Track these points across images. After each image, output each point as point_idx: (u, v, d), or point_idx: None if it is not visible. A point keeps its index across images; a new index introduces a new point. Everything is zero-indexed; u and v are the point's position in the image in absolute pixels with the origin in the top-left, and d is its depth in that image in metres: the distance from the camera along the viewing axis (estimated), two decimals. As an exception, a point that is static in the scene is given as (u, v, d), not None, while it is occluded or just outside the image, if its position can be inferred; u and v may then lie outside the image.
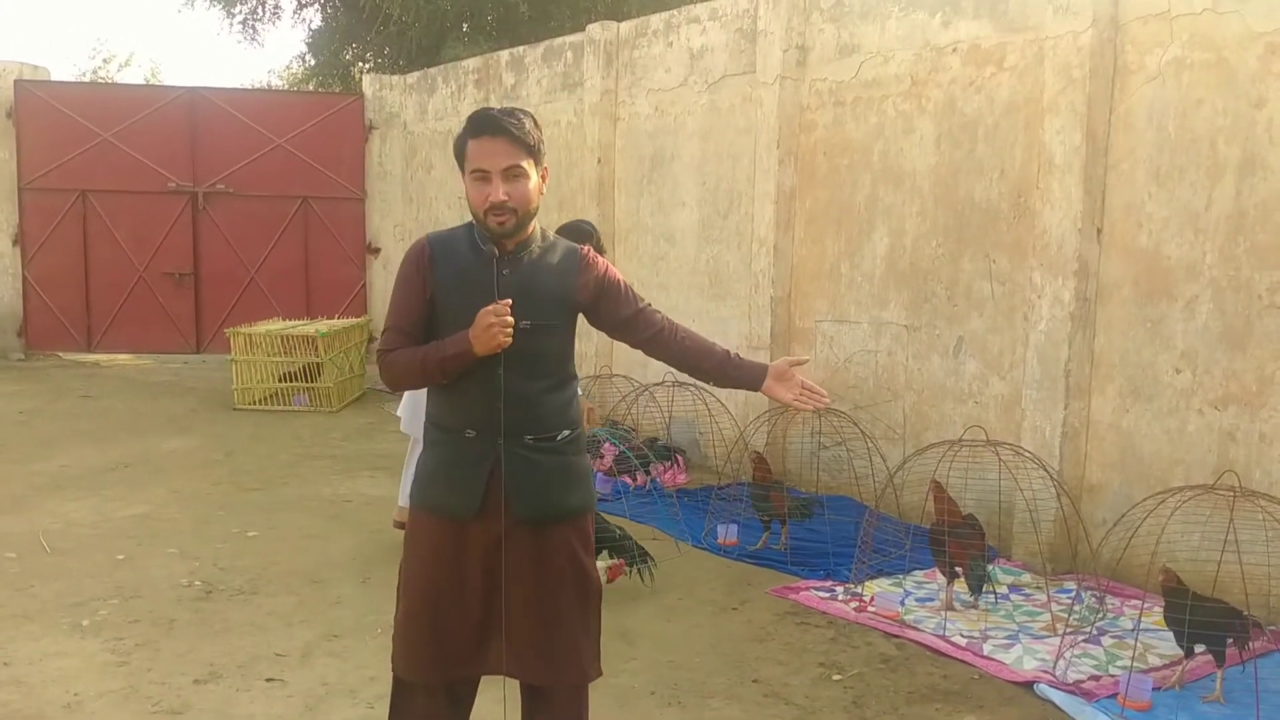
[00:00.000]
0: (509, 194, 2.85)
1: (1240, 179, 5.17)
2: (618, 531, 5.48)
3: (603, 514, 5.60)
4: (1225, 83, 5.22)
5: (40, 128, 13.14)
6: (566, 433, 3.02)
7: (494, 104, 11.13)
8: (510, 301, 2.80)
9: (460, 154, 2.94)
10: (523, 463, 2.93)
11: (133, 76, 31.14)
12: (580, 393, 3.18)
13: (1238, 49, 5.16)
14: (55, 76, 14.47)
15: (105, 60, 31.70)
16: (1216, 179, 5.26)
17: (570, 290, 2.99)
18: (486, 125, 2.87)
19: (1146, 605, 4.69)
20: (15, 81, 13.13)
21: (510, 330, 2.78)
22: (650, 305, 3.13)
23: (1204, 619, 4.19)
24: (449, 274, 2.96)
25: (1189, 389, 5.39)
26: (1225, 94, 5.22)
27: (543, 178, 2.98)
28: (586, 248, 3.09)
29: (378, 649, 4.58)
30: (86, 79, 27.82)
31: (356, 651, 4.60)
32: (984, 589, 5.24)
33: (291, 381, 10.96)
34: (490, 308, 2.78)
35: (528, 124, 2.89)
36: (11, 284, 13.34)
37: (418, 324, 2.98)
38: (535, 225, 3.00)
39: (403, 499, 6.40)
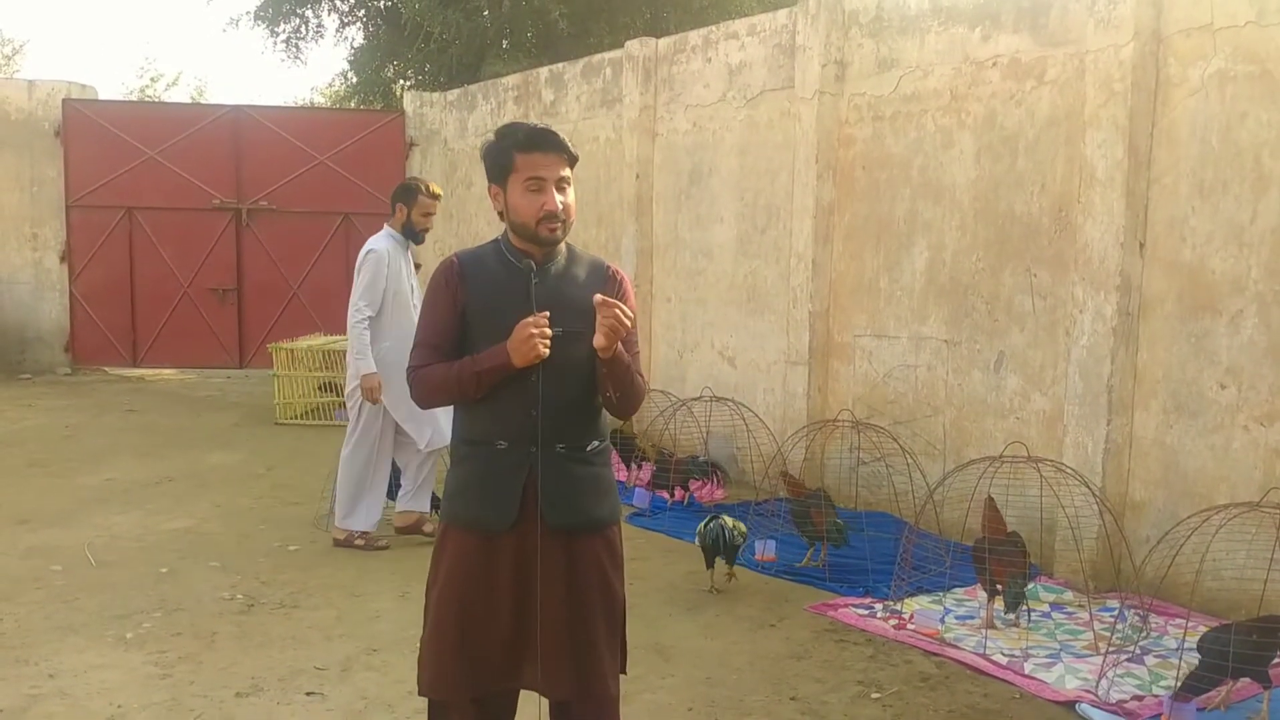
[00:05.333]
0: (564, 203, 2.94)
1: (1286, 192, 5.10)
2: None
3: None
4: (1269, 95, 5.16)
5: (87, 146, 13.34)
6: (596, 443, 3.06)
7: (534, 121, 11.19)
8: (548, 313, 2.84)
9: (504, 164, 2.96)
10: (556, 472, 2.95)
11: (180, 95, 31.58)
12: None
13: (1282, 61, 5.11)
14: (104, 95, 14.71)
15: (153, 79, 32.16)
16: (1261, 192, 5.20)
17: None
18: (543, 141, 2.94)
19: (1191, 624, 4.62)
20: (64, 100, 13.34)
21: (549, 340, 2.82)
22: (635, 356, 3.06)
23: (1241, 650, 4.10)
24: (481, 289, 2.99)
25: (1234, 405, 5.32)
26: (1270, 107, 5.16)
27: None
28: (614, 266, 3.15)
29: (416, 663, 4.60)
30: (135, 98, 28.23)
31: (395, 666, 4.62)
32: (1020, 607, 5.19)
33: (333, 396, 11.05)
34: (529, 319, 2.82)
35: (569, 142, 2.99)
36: (58, 300, 13.53)
37: (450, 340, 3.01)
38: None
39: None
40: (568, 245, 3.09)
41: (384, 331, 6.21)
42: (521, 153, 2.93)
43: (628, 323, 2.82)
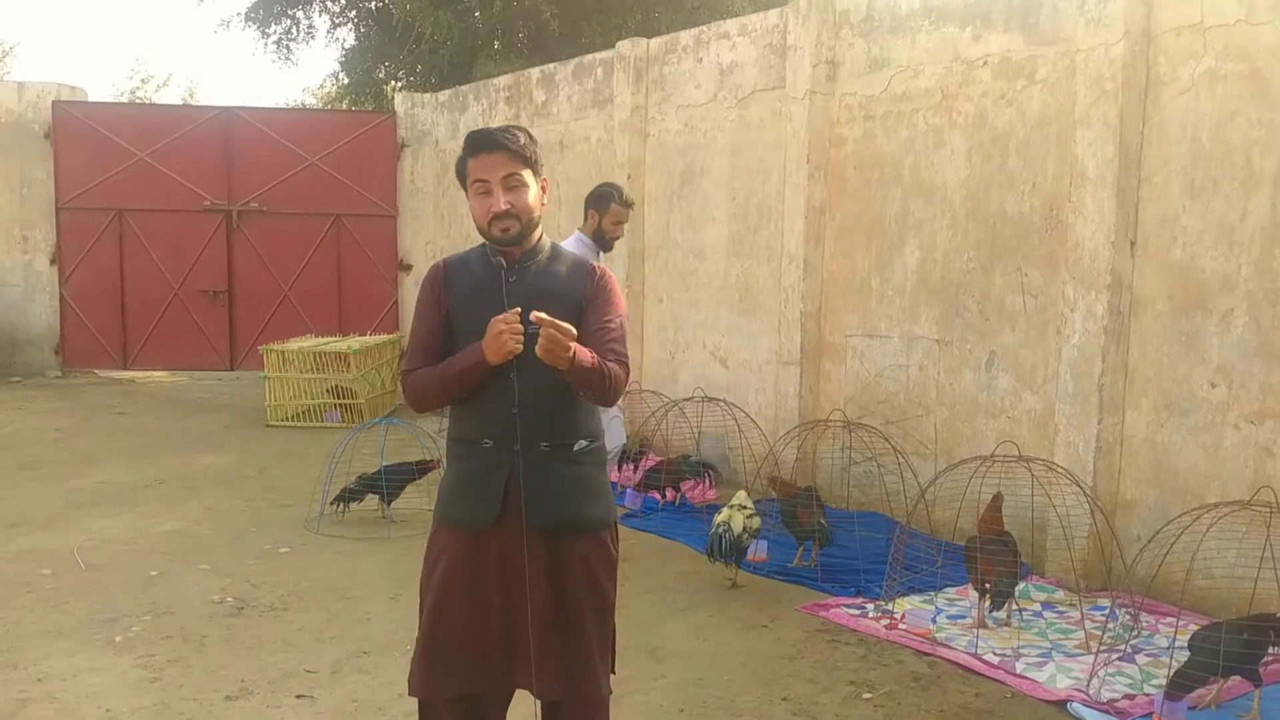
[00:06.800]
0: (510, 202, 2.95)
1: (1276, 191, 5.10)
2: None
3: None
4: (1259, 94, 5.16)
5: (77, 148, 13.29)
6: (584, 443, 3.06)
7: (525, 121, 11.20)
8: (519, 309, 2.84)
9: (462, 174, 3.03)
10: (539, 470, 2.96)
11: (170, 97, 31.54)
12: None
13: (1272, 60, 5.11)
14: (94, 97, 14.66)
15: (144, 80, 32.16)
16: (1252, 191, 5.20)
17: (579, 295, 3.04)
18: (484, 143, 2.97)
19: (1182, 623, 4.62)
20: (53, 102, 13.30)
21: (520, 336, 2.81)
22: (616, 341, 3.02)
23: (1232, 648, 4.09)
24: (463, 290, 3.04)
25: (1224, 403, 5.32)
26: (1260, 105, 5.17)
27: (543, 189, 3.07)
28: (598, 264, 3.16)
29: (407, 666, 4.55)
30: (125, 99, 28.17)
31: (386, 668, 4.61)
32: (1007, 605, 5.18)
33: (324, 398, 11.03)
34: (499, 316, 2.84)
35: (523, 138, 2.99)
36: (48, 302, 13.49)
37: (438, 342, 3.05)
38: (542, 236, 3.09)
39: None
40: (551, 244, 3.12)
41: None
42: (470, 157, 2.99)
43: (565, 341, 2.73)
